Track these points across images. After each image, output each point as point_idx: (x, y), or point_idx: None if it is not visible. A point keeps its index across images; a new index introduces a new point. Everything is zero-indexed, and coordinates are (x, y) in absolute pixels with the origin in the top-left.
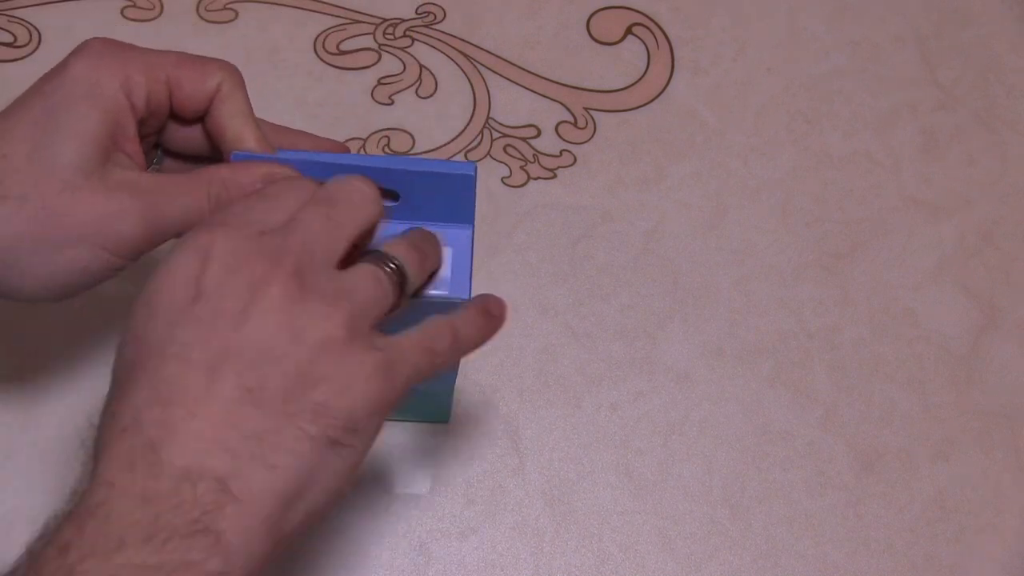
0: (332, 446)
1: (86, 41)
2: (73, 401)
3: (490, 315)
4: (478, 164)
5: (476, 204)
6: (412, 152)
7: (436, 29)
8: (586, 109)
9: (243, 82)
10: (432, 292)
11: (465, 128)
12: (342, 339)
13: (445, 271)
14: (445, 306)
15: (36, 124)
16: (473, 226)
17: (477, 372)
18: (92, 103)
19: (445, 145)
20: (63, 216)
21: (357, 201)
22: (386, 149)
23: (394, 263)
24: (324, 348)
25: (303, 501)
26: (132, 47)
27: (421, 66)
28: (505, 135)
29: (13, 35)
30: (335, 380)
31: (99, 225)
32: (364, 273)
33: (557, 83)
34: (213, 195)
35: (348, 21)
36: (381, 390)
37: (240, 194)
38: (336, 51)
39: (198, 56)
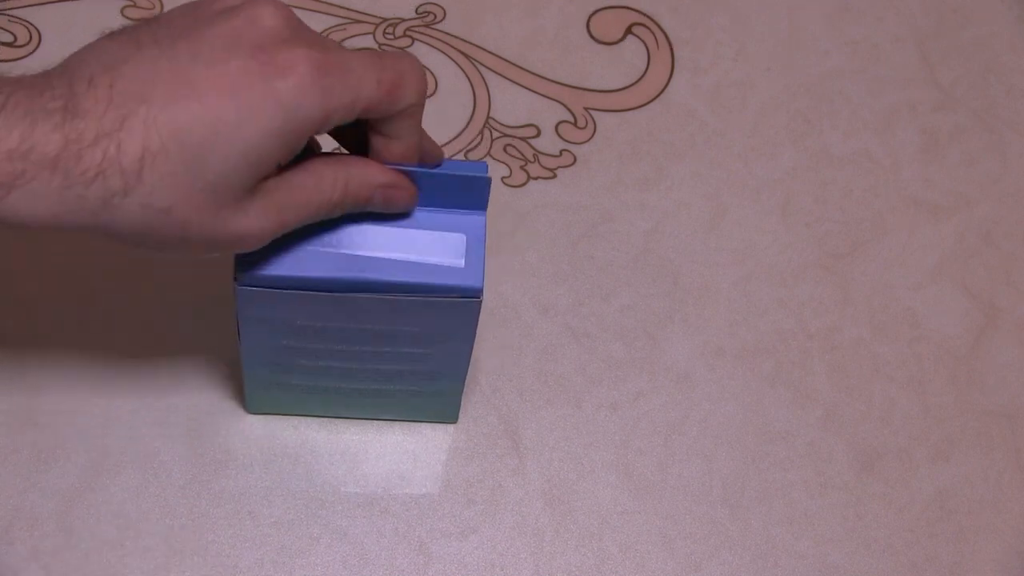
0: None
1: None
2: (73, 400)
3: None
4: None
5: None
6: None
7: (436, 29)
8: (586, 109)
9: (425, 95)
10: (446, 283)
11: (465, 128)
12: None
13: (459, 260)
14: (457, 305)
15: (213, 127)
16: (485, 214)
17: (477, 372)
18: (281, 137)
19: (445, 145)
20: (204, 232)
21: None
22: None
23: None
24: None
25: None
26: (334, 61)
27: None
28: (505, 135)
29: (13, 35)
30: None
31: (236, 242)
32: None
33: (557, 83)
34: (341, 195)
35: (348, 21)
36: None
37: (368, 193)
38: None
39: (396, 70)
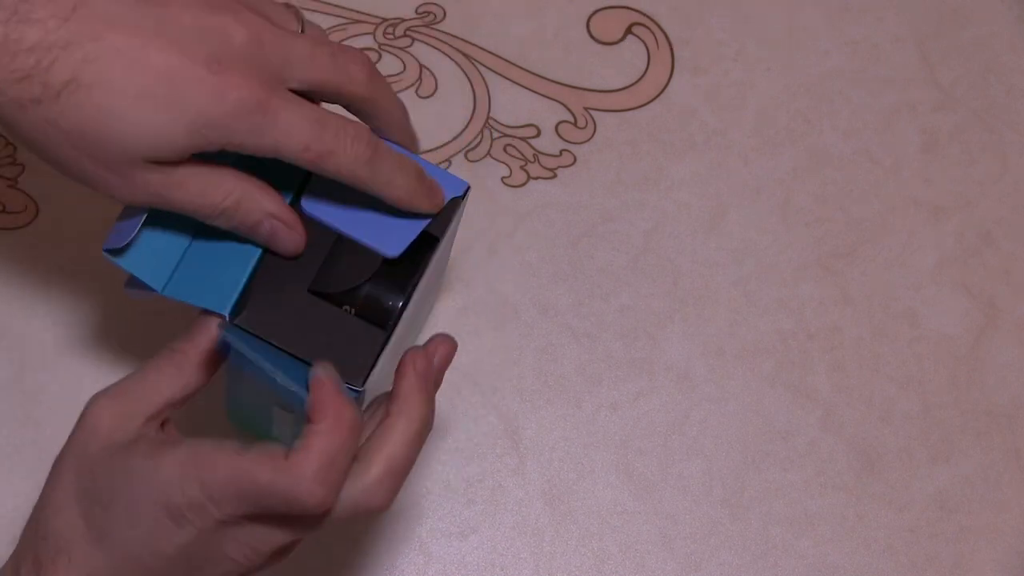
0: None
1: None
2: (74, 400)
3: (424, 382)
4: (481, 163)
5: (474, 205)
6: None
7: (436, 29)
8: (586, 109)
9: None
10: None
11: (465, 128)
12: None
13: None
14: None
15: (149, 85)
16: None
17: (477, 372)
18: (185, 143)
19: (445, 145)
20: (83, 171)
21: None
22: None
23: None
24: None
25: None
26: (275, 105)
27: (421, 66)
28: (505, 135)
29: None
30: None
31: (104, 190)
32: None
33: (557, 83)
34: (232, 207)
35: (348, 21)
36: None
37: (257, 218)
38: None
39: (334, 139)
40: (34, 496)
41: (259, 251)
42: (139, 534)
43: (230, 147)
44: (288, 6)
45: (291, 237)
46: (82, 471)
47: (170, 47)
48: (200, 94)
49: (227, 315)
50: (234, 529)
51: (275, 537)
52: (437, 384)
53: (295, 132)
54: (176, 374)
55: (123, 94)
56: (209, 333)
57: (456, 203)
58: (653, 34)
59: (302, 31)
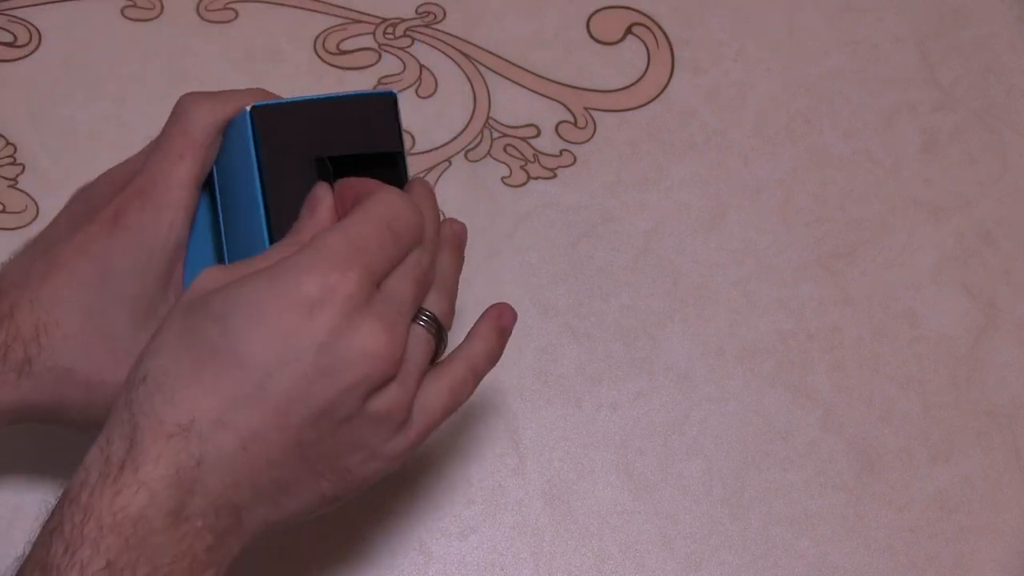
0: (333, 501)
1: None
2: None
3: (504, 333)
4: (481, 163)
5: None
6: (411, 152)
7: (436, 29)
8: (586, 109)
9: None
10: None
11: (465, 128)
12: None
13: None
14: None
15: (90, 288)
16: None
17: None
18: (145, 269)
19: (445, 145)
20: (108, 384)
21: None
22: None
23: (434, 321)
24: (378, 419)
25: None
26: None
27: (421, 66)
28: (505, 135)
29: (13, 35)
30: (369, 449)
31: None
32: (418, 341)
33: (557, 83)
34: None
35: (348, 21)
36: (400, 462)
37: None
38: (336, 51)
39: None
40: (33, 496)
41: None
42: (268, 340)
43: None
44: None
45: None
46: (193, 306)
47: (71, 239)
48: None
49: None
50: (356, 420)
51: (380, 442)
52: (504, 334)
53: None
54: None
55: (78, 297)
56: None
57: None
58: (653, 34)
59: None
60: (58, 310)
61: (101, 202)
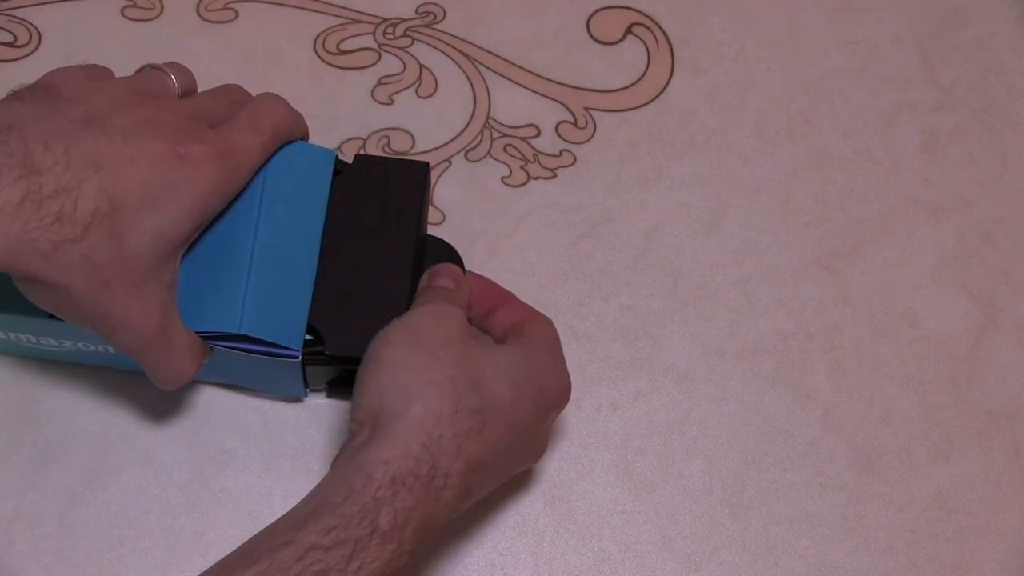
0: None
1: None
2: (73, 401)
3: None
4: (481, 163)
5: (474, 205)
6: (411, 152)
7: (436, 29)
8: (586, 109)
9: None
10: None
11: (465, 128)
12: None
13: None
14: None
15: (149, 189)
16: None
17: None
18: (192, 216)
19: (445, 144)
20: (117, 299)
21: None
22: (386, 149)
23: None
24: None
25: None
26: (230, 146)
27: (421, 66)
28: (505, 135)
29: (13, 35)
30: None
31: (120, 324)
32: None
33: (557, 83)
34: None
35: (348, 21)
36: None
37: None
38: (336, 51)
39: (267, 122)
40: (33, 496)
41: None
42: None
43: (225, 200)
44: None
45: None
46: (449, 358)
47: (142, 145)
48: (184, 174)
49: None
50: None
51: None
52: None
53: (248, 140)
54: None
55: (140, 206)
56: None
57: (421, 179)
58: (653, 34)
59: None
60: (117, 209)
61: (175, 132)
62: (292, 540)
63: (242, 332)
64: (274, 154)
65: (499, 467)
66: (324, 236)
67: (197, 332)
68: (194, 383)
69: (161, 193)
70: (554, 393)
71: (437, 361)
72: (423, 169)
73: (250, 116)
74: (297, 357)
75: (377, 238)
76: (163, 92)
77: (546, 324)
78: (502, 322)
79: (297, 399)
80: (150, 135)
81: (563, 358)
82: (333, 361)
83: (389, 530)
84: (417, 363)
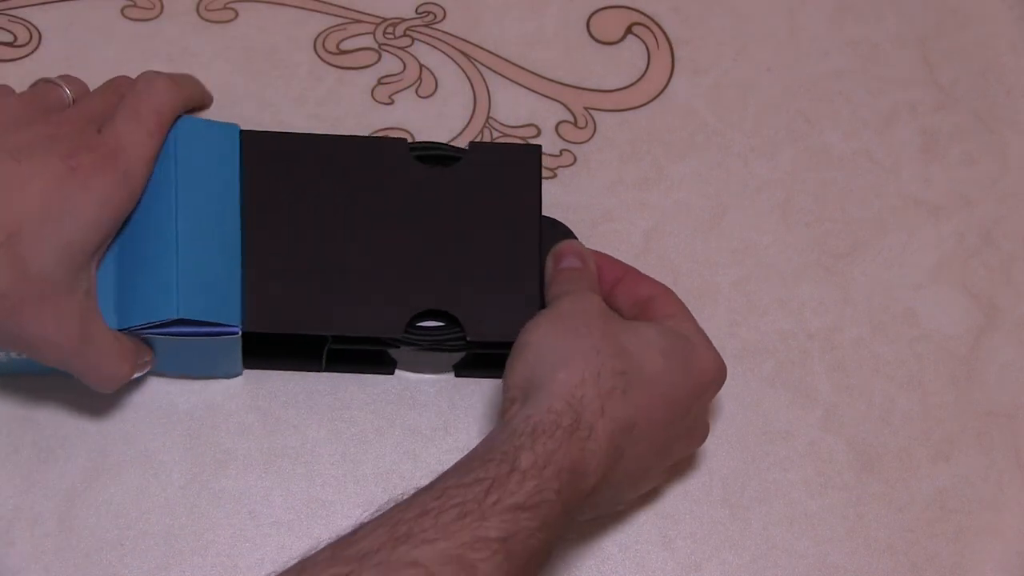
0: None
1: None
2: (73, 401)
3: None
4: None
5: None
6: None
7: (436, 29)
8: (586, 109)
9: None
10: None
11: (465, 128)
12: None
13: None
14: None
15: (47, 206)
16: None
17: None
18: (97, 226)
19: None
20: (27, 322)
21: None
22: None
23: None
24: None
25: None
26: (120, 147)
27: (421, 66)
28: (505, 135)
29: (13, 35)
30: None
31: (40, 341)
32: None
33: (557, 83)
34: None
35: (348, 21)
36: None
37: None
38: (336, 51)
39: (149, 108)
40: (33, 496)
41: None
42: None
43: (130, 201)
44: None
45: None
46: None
47: (32, 164)
48: (81, 186)
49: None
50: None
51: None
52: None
53: (134, 136)
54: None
55: (40, 225)
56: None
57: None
58: (653, 34)
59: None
60: (8, 234)
61: (70, 144)
62: (432, 484)
63: (180, 317)
64: (179, 134)
65: (654, 437)
66: (447, 224)
67: (136, 327)
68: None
69: (60, 209)
70: (708, 370)
71: (580, 336)
72: (537, 151)
73: (130, 107)
74: (237, 333)
75: (500, 223)
76: (57, 104)
77: (679, 304)
78: (627, 296)
79: (236, 375)
80: (42, 151)
81: (709, 340)
82: (472, 346)
83: (528, 468)
84: (561, 339)
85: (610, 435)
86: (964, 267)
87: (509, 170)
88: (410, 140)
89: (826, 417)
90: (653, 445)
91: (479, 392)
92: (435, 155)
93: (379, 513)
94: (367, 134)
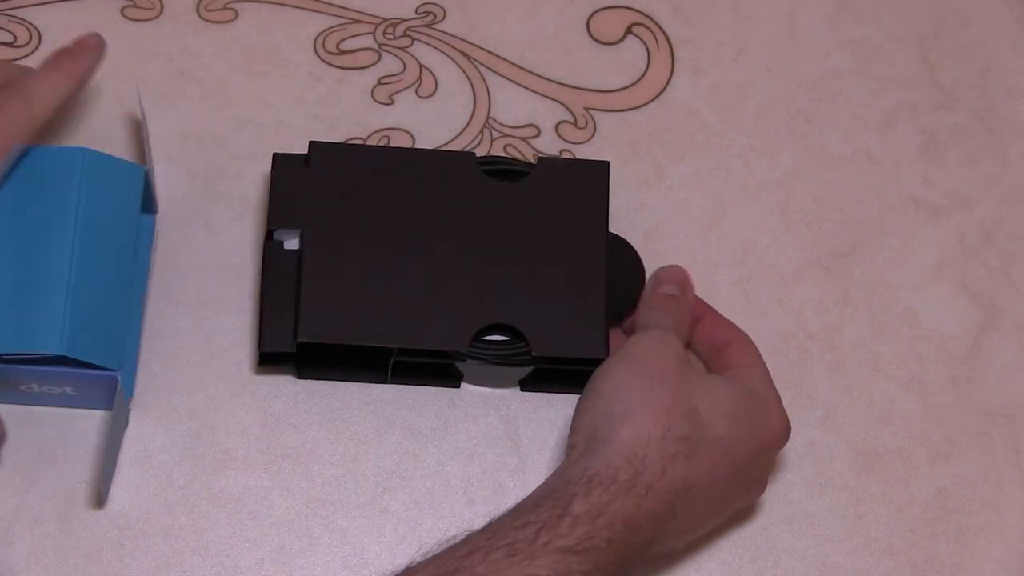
0: None
1: None
2: None
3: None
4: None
5: None
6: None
7: (436, 29)
8: (586, 109)
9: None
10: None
11: (465, 128)
12: None
13: None
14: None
15: None
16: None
17: None
18: None
19: (445, 144)
20: None
21: None
22: None
23: None
24: None
25: None
26: None
27: (421, 66)
28: (505, 135)
29: (13, 35)
30: None
31: None
32: None
33: (557, 83)
34: None
35: (348, 21)
36: None
37: None
38: (336, 51)
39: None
40: (33, 496)
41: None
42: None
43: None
44: None
45: None
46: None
47: None
48: None
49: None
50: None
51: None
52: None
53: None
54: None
55: None
56: None
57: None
58: (653, 34)
59: None
60: None
61: None
62: (485, 527)
63: (63, 354)
64: (85, 169)
65: (712, 496)
66: (513, 238)
67: (14, 353)
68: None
69: None
70: (774, 433)
71: (652, 390)
72: (605, 168)
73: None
74: (115, 377)
75: (567, 238)
76: None
77: (755, 354)
78: (705, 337)
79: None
80: None
81: (778, 395)
82: (537, 361)
83: (581, 514)
84: (633, 391)
85: (668, 496)
86: (964, 267)
87: (577, 185)
88: (477, 155)
89: (826, 417)
90: (711, 503)
91: (478, 393)
92: (503, 170)
93: (431, 555)
94: (367, 135)
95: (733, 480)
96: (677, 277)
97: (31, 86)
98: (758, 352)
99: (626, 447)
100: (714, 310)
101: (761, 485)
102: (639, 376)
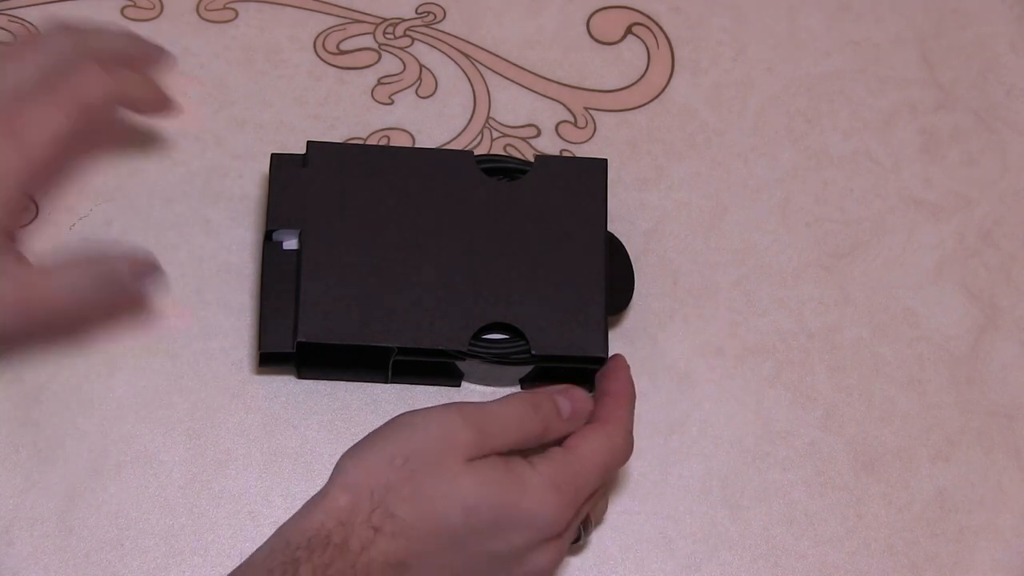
0: None
1: None
2: (73, 401)
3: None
4: None
5: None
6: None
7: (436, 29)
8: (586, 109)
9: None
10: None
11: (465, 128)
12: None
13: None
14: None
15: None
16: None
17: None
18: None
19: (445, 145)
20: None
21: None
22: None
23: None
24: None
25: None
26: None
27: (421, 66)
28: (505, 135)
29: (13, 35)
30: None
31: None
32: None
33: (557, 83)
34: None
35: (348, 21)
36: None
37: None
38: (336, 51)
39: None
40: (33, 496)
41: None
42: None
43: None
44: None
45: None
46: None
47: None
48: None
49: None
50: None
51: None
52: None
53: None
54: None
55: None
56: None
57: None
58: (653, 34)
59: None
60: None
61: None
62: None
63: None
64: None
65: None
66: (512, 237)
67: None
68: None
69: None
70: (520, 522)
71: (389, 467)
72: (603, 165)
73: (51, 86)
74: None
75: (566, 236)
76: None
77: (593, 453)
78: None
79: None
80: None
81: (574, 491)
82: (537, 359)
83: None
84: (370, 463)
85: (384, 568)
86: (964, 267)
87: (575, 183)
88: (476, 153)
89: (826, 417)
90: None
91: (477, 394)
92: (501, 168)
93: None
94: (367, 135)
95: (470, 569)
96: (575, 405)
97: (23, 127)
98: (600, 455)
99: (341, 512)
100: (620, 416)
101: (533, 566)
102: (384, 451)
